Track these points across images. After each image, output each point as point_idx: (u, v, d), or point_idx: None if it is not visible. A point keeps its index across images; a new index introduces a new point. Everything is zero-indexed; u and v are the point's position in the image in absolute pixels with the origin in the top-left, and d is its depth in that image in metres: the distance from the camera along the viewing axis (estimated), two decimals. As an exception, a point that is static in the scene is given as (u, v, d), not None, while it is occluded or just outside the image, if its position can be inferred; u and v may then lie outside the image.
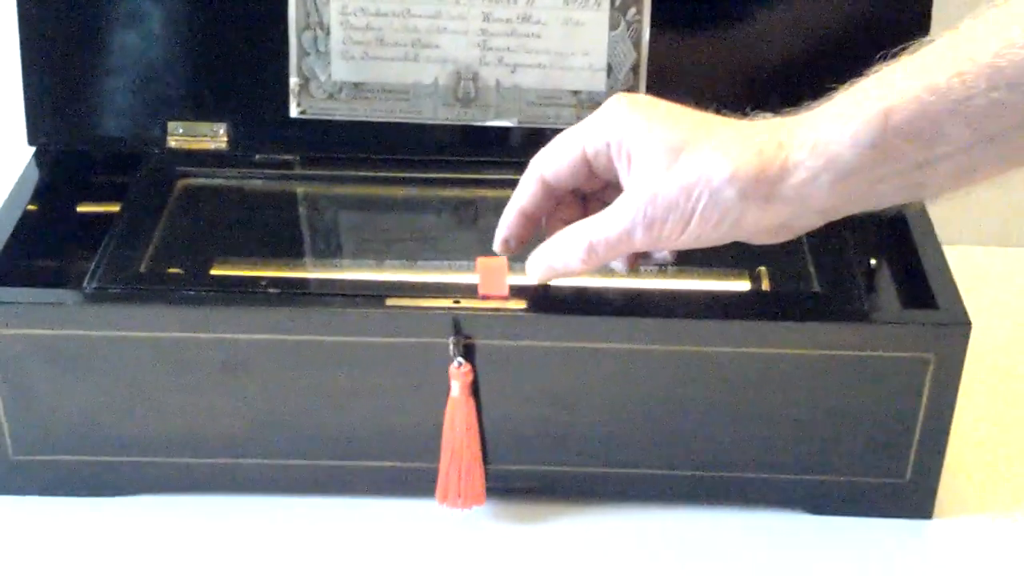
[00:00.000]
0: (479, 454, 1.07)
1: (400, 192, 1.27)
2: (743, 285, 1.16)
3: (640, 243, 0.95)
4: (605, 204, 0.99)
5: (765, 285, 1.16)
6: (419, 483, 1.10)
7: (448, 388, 1.06)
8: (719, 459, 1.09)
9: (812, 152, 0.89)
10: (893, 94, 0.86)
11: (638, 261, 1.03)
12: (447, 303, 1.04)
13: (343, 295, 1.06)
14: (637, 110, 0.93)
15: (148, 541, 1.06)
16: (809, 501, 1.11)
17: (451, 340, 1.04)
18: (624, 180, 0.96)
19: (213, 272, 1.16)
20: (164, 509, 1.09)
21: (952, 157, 0.86)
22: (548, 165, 0.97)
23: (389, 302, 1.04)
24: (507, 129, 1.25)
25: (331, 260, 1.20)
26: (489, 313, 1.04)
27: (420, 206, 1.26)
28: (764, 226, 0.93)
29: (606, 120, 0.94)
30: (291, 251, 1.21)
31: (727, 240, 0.95)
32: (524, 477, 1.11)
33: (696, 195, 0.91)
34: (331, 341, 1.05)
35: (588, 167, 0.96)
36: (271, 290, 1.06)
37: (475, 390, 1.06)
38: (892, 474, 1.09)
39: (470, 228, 1.17)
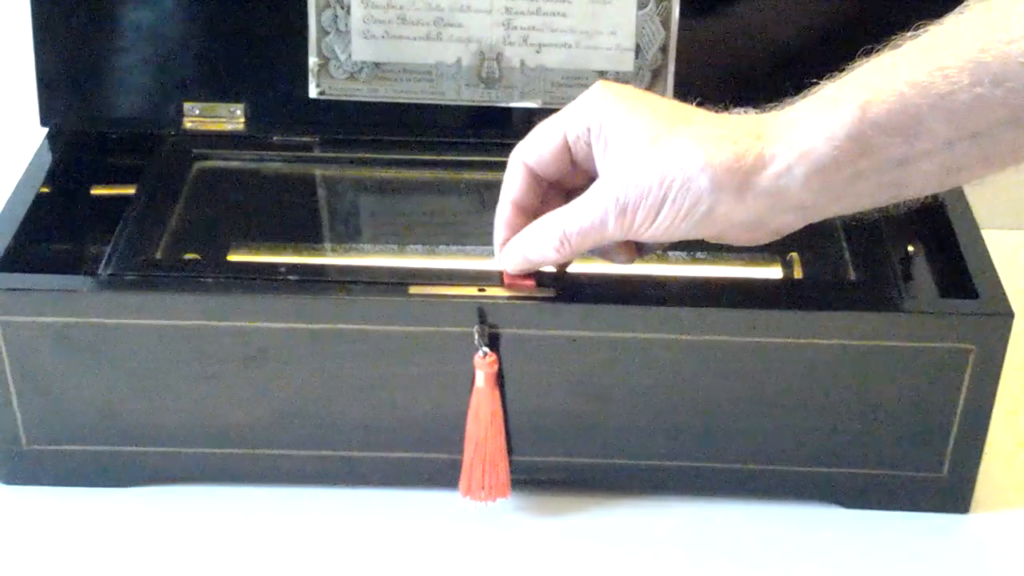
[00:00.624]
0: (504, 446, 1.06)
1: (421, 175, 1.25)
2: (775, 272, 1.13)
3: (613, 231, 0.94)
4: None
5: (797, 272, 1.14)
6: (442, 474, 1.08)
7: (473, 378, 1.03)
8: (750, 451, 1.07)
9: (788, 144, 0.88)
10: (871, 88, 0.85)
11: (636, 254, 1.01)
12: (472, 291, 1.02)
13: (365, 283, 1.04)
14: (619, 98, 0.92)
15: (165, 532, 1.05)
16: (843, 494, 1.09)
17: (476, 329, 1.02)
18: (600, 165, 0.95)
19: (230, 258, 1.14)
20: (181, 499, 1.08)
21: (933, 155, 0.84)
22: (530, 152, 0.97)
23: (412, 290, 1.02)
24: (532, 110, 1.23)
25: (351, 245, 1.18)
26: (515, 301, 1.02)
27: (442, 189, 1.24)
28: (738, 220, 0.91)
29: (587, 106, 0.93)
30: (310, 236, 1.19)
31: (702, 235, 0.93)
32: (550, 469, 1.09)
33: (668, 182, 0.90)
34: (353, 330, 1.03)
35: (569, 154, 0.95)
36: (290, 277, 1.04)
37: (500, 380, 1.04)
38: (929, 467, 1.07)
39: (493, 212, 1.15)
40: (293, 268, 1.06)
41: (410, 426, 1.07)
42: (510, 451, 1.07)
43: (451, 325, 1.02)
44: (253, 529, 1.08)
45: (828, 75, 0.92)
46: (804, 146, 0.87)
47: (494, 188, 1.17)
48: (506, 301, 1.02)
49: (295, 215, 1.20)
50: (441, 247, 1.16)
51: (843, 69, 0.90)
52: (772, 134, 0.89)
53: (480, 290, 1.03)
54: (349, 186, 1.25)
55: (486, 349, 1.02)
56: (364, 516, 1.09)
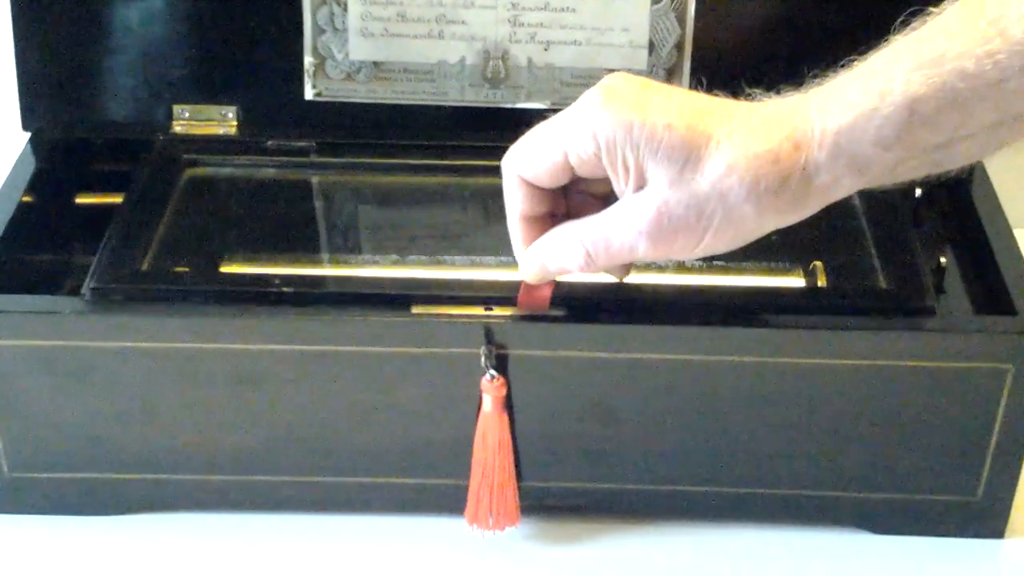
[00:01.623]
0: (513, 472, 1.02)
1: (424, 181, 1.20)
2: (797, 282, 1.09)
3: (644, 255, 0.88)
4: (591, 195, 0.92)
5: (822, 281, 1.09)
6: (447, 501, 1.04)
7: (479, 402, 0.99)
8: (774, 476, 1.03)
9: (832, 153, 0.82)
10: (918, 82, 0.79)
11: (631, 270, 0.96)
12: (478, 311, 0.98)
13: (364, 300, 1.00)
14: (627, 108, 0.83)
15: (154, 562, 1.02)
16: (872, 520, 1.05)
17: (483, 350, 0.97)
18: (620, 189, 0.88)
19: (223, 269, 1.09)
20: (171, 528, 1.05)
21: (975, 137, 0.81)
22: (526, 167, 0.88)
23: (415, 309, 0.98)
24: (540, 111, 1.18)
25: (350, 256, 1.13)
26: (524, 322, 0.97)
27: (446, 197, 1.20)
28: (777, 227, 0.87)
29: (591, 122, 0.84)
30: (306, 246, 1.15)
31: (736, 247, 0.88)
32: (561, 495, 1.05)
33: (710, 212, 0.84)
34: (352, 352, 0.99)
35: (571, 171, 0.87)
36: (285, 289, 1.00)
37: (509, 404, 0.99)
38: (963, 491, 1.03)
39: (500, 221, 1.10)
40: (287, 282, 1.02)
41: (413, 451, 1.03)
42: (519, 476, 1.03)
43: (456, 346, 0.98)
44: (248, 558, 1.04)
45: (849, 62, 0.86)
46: (850, 155, 0.81)
47: (500, 194, 1.14)
48: (514, 321, 0.97)
49: (290, 224, 1.16)
50: (445, 258, 1.11)
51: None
52: (813, 140, 0.82)
53: (487, 309, 0.98)
54: (347, 193, 1.21)
55: (493, 372, 0.98)
56: (365, 544, 1.05)
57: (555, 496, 1.05)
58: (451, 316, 0.98)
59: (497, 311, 0.98)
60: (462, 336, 0.97)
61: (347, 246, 1.16)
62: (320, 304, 1.00)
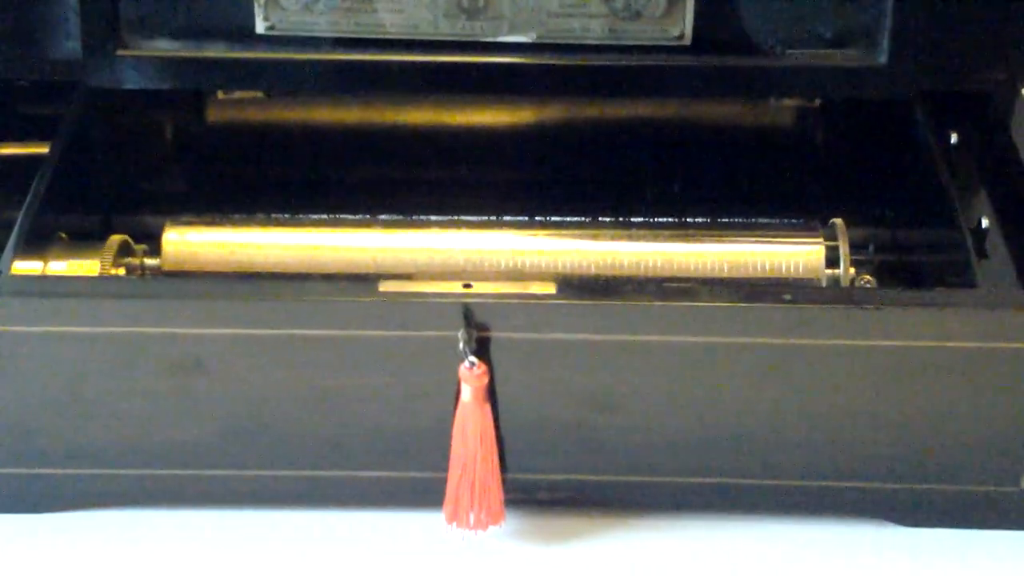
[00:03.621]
0: (497, 466, 0.93)
1: (393, 127, 1.11)
2: (816, 245, 1.00)
3: None
4: None
5: (843, 242, 1.01)
6: (422, 494, 0.96)
7: (457, 389, 0.90)
8: (790, 465, 0.95)
9: None
10: None
11: None
12: (455, 287, 0.88)
13: (324, 278, 0.91)
14: None
15: (93, 563, 0.94)
16: (900, 512, 0.97)
17: (461, 334, 0.88)
18: None
19: (166, 237, 1.01)
20: (111, 525, 0.97)
21: None
22: None
23: (383, 287, 0.89)
24: (523, 46, 1.08)
25: (311, 216, 1.04)
26: (508, 300, 0.88)
27: (418, 145, 1.11)
28: None
29: None
30: (260, 204, 1.06)
31: None
32: (551, 487, 0.97)
33: None
34: (311, 336, 0.89)
35: None
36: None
37: (491, 392, 0.90)
38: (1003, 482, 0.95)
39: (482, 172, 1.01)
40: (240, 249, 0.93)
41: (383, 442, 0.95)
42: (503, 468, 0.94)
43: (431, 329, 0.89)
44: (198, 558, 0.95)
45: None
46: None
47: (478, 139, 1.05)
48: (497, 300, 0.88)
49: (243, 180, 1.06)
50: (418, 217, 1.02)
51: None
52: None
53: (466, 285, 0.89)
54: (306, 142, 1.11)
55: (473, 359, 0.88)
56: (331, 542, 0.97)
57: (544, 489, 0.97)
58: (423, 295, 0.88)
59: (478, 287, 0.89)
60: (437, 317, 0.89)
61: (307, 204, 1.07)
62: (273, 279, 0.91)
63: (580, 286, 0.89)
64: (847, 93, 1.08)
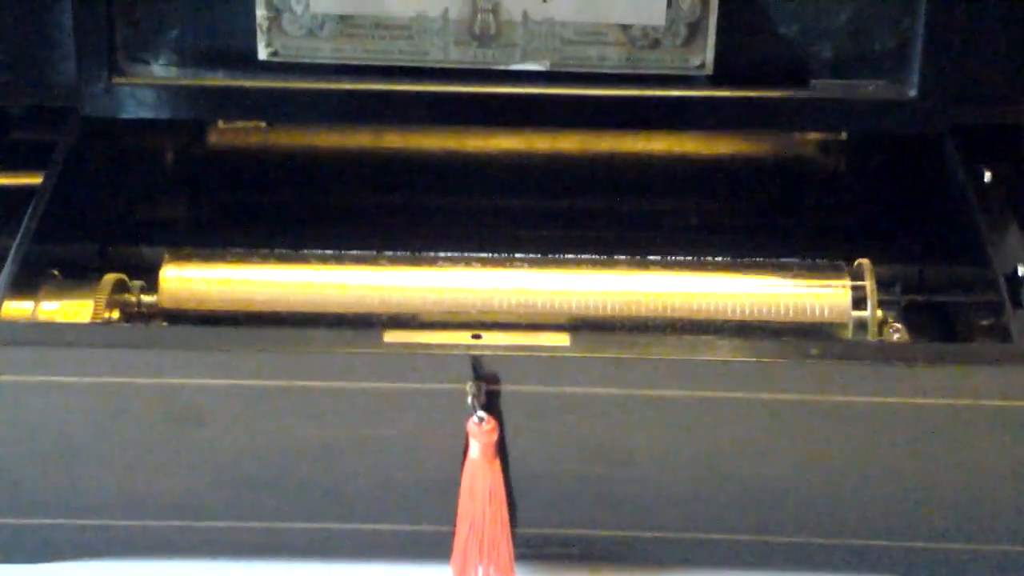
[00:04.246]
0: (507, 523, 0.90)
1: (401, 157, 1.08)
2: (841, 288, 0.97)
3: None
4: None
5: (870, 283, 0.97)
6: (428, 547, 0.93)
7: (465, 443, 0.86)
8: (811, 523, 0.92)
9: None
10: None
11: None
12: (463, 337, 0.85)
13: (328, 320, 0.93)
14: None
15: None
16: (924, 572, 0.93)
17: (470, 388, 0.84)
18: None
19: (163, 273, 0.98)
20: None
21: None
22: None
23: (388, 337, 0.85)
24: (537, 75, 1.03)
25: (314, 252, 1.00)
26: (519, 353, 0.84)
27: (427, 177, 1.08)
28: None
29: None
30: (263, 237, 1.02)
31: None
32: (563, 542, 0.93)
33: None
34: (313, 387, 0.86)
35: None
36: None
37: (501, 447, 0.86)
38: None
39: (493, 206, 0.98)
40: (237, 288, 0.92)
41: (387, 495, 0.92)
42: (514, 523, 0.90)
43: (438, 382, 0.85)
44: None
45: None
46: None
47: (489, 172, 1.02)
48: (508, 353, 0.84)
49: (243, 212, 1.02)
50: (427, 253, 0.98)
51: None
52: None
53: (474, 336, 0.85)
54: (310, 171, 1.07)
55: (482, 414, 0.85)
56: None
57: (556, 544, 0.93)
58: (430, 347, 0.84)
59: (487, 337, 0.85)
60: (444, 370, 0.85)
61: (309, 237, 1.03)
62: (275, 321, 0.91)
63: (595, 339, 0.85)
64: (875, 126, 1.03)
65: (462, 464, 0.88)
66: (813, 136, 1.09)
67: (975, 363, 0.85)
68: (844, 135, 1.07)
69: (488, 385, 0.85)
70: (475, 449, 0.87)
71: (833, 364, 0.84)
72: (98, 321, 0.93)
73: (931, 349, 0.86)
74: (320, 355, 0.85)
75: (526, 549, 0.93)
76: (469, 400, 0.85)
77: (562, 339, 0.85)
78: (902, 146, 1.07)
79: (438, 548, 0.92)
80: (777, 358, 0.85)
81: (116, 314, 0.96)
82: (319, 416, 0.87)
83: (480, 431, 0.86)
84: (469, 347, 0.85)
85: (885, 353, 0.85)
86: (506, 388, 0.86)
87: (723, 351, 0.85)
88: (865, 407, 0.86)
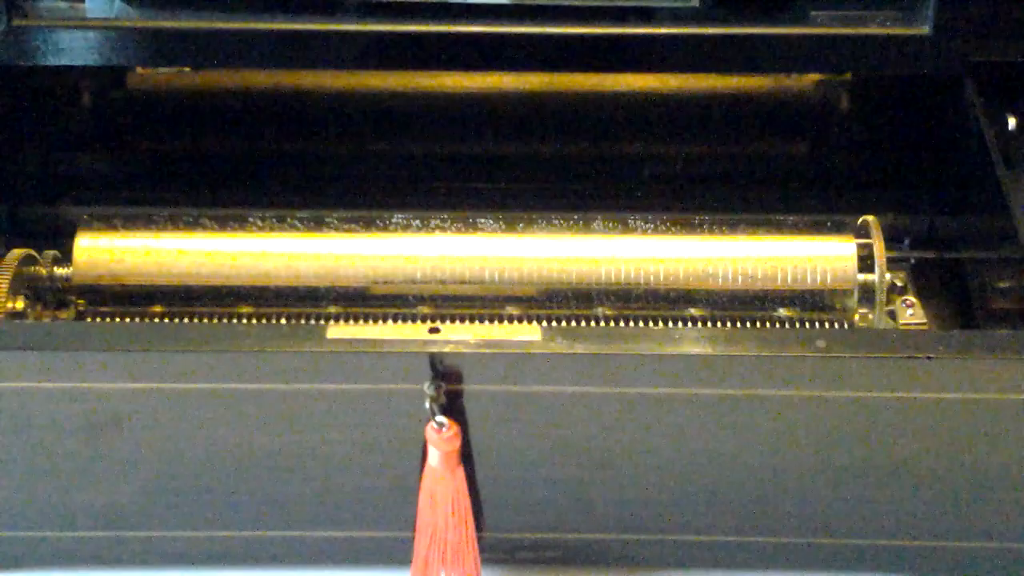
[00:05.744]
0: (472, 533, 0.82)
1: (342, 100, 0.99)
2: (846, 249, 0.88)
3: None
4: None
5: (878, 243, 0.88)
6: (383, 553, 0.86)
7: (424, 447, 0.77)
8: (804, 522, 0.84)
9: None
10: None
11: None
12: (420, 332, 0.75)
13: (264, 297, 0.87)
14: None
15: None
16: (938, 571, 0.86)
17: (427, 389, 0.75)
18: None
19: (78, 241, 0.90)
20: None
21: None
22: None
23: (331, 332, 0.75)
24: (502, 9, 0.93)
25: (247, 215, 0.91)
26: (484, 350, 0.75)
27: (374, 124, 0.99)
28: None
29: None
30: (190, 196, 0.93)
31: None
32: (534, 546, 0.86)
33: None
34: (247, 390, 0.76)
35: None
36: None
37: (465, 451, 0.77)
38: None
39: (453, 159, 0.89)
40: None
41: (334, 502, 0.84)
42: (479, 528, 0.82)
43: (390, 382, 0.76)
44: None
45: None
46: None
47: (448, 119, 0.92)
48: (470, 350, 0.75)
49: (172, 165, 0.93)
50: (377, 212, 0.89)
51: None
52: None
53: (432, 330, 0.75)
54: (243, 122, 0.99)
55: (442, 419, 0.76)
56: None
57: (526, 548, 0.86)
58: (379, 344, 0.74)
59: (447, 331, 0.75)
60: (397, 370, 0.75)
61: (243, 197, 0.94)
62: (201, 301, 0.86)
63: (569, 333, 0.76)
64: (883, 67, 0.93)
65: (420, 469, 0.79)
66: (813, 77, 0.99)
67: (1003, 354, 0.75)
68: (848, 76, 0.97)
69: (448, 385, 0.76)
70: (435, 457, 0.78)
71: (843, 360, 0.75)
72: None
73: (953, 339, 0.76)
74: (253, 355, 0.75)
75: (494, 554, 0.85)
76: (427, 404, 0.76)
77: (532, 332, 0.76)
78: (913, 87, 0.97)
79: (394, 554, 0.85)
80: (780, 353, 0.75)
81: (20, 304, 0.86)
82: (255, 420, 0.79)
83: (440, 438, 0.77)
84: (426, 342, 0.75)
85: (901, 344, 0.75)
86: (469, 388, 0.77)
87: (714, 344, 0.75)
88: (876, 402, 0.78)
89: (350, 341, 0.76)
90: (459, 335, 0.76)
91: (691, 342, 0.76)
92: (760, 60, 0.93)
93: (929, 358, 0.75)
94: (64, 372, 0.76)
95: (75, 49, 0.92)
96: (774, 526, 0.84)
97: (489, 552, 0.85)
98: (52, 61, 0.92)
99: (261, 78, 0.99)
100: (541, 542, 0.86)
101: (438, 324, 0.76)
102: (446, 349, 0.75)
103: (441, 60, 0.93)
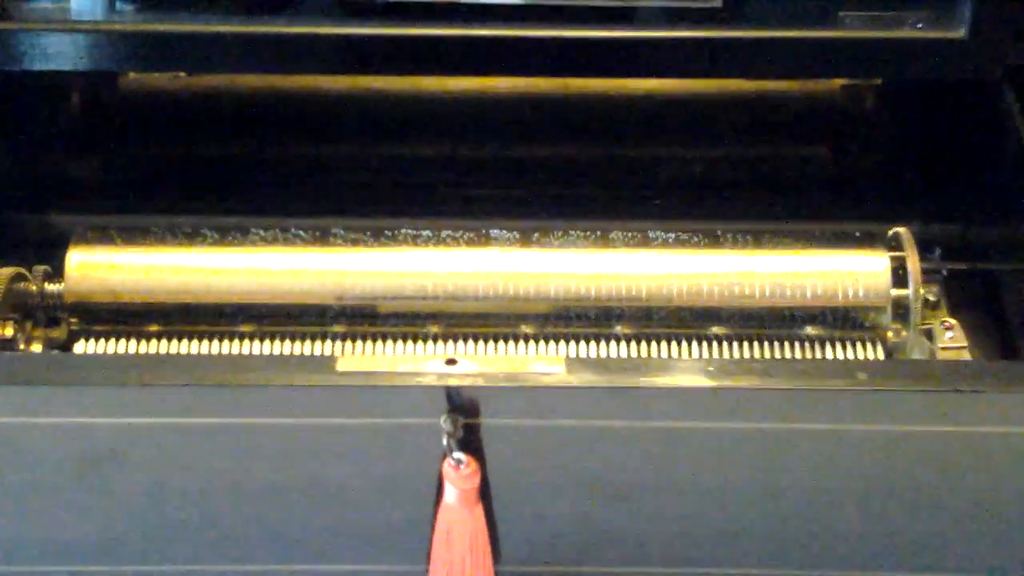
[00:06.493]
0: (491, 571, 0.76)
1: (350, 105, 0.96)
2: (879, 264, 0.85)
3: None
4: None
5: (911, 253, 0.85)
6: None
7: (440, 482, 0.74)
8: (830, 555, 0.81)
9: None
10: None
11: None
12: (435, 366, 0.71)
13: (267, 314, 0.83)
14: None
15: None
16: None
17: (444, 423, 0.71)
18: None
19: (70, 256, 0.86)
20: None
21: None
22: None
23: (341, 365, 0.71)
24: (514, 10, 0.88)
25: (249, 228, 0.87)
26: (504, 384, 0.71)
27: (380, 128, 0.95)
28: None
29: None
30: (185, 204, 0.91)
31: None
32: None
33: None
34: (253, 425, 0.73)
35: None
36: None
37: (484, 489, 0.74)
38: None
39: (465, 167, 0.86)
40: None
41: (344, 536, 0.80)
42: (496, 557, 0.78)
43: (405, 416, 0.72)
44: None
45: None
46: None
47: (460, 126, 0.89)
48: (491, 384, 0.71)
49: (167, 171, 0.90)
50: (385, 221, 0.86)
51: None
52: None
53: (450, 362, 0.71)
54: (239, 127, 0.96)
55: (460, 456, 0.72)
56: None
57: None
58: (393, 377, 0.71)
59: (464, 364, 0.72)
60: (412, 403, 0.72)
61: (242, 204, 0.94)
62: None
63: (594, 365, 0.72)
64: (917, 72, 0.88)
65: (435, 503, 0.75)
66: (843, 83, 0.95)
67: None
68: (880, 82, 0.93)
69: (464, 420, 0.72)
70: (451, 494, 0.74)
71: (885, 395, 0.71)
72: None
73: (1001, 369, 0.73)
74: (259, 389, 0.71)
75: (511, 583, 0.82)
76: (444, 440, 0.72)
77: (555, 362, 0.72)
78: (949, 94, 0.93)
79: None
80: (817, 387, 0.71)
81: (9, 331, 0.81)
82: (259, 454, 0.76)
83: (458, 476, 0.73)
84: (443, 375, 0.71)
85: (947, 376, 0.72)
86: (487, 422, 0.73)
87: (752, 377, 0.72)
88: (917, 436, 0.74)
89: (362, 374, 0.72)
90: (476, 366, 0.72)
91: (723, 376, 0.72)
92: (786, 65, 0.89)
93: (976, 392, 0.71)
94: (60, 408, 0.73)
95: (63, 54, 0.87)
96: (803, 559, 0.81)
97: (506, 581, 0.82)
98: (39, 66, 0.88)
99: (261, 80, 0.95)
100: (559, 574, 0.82)
101: (455, 356, 0.73)
102: (464, 382, 0.72)
103: (452, 64, 0.89)
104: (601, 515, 0.78)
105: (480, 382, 0.72)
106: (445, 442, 0.73)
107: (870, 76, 0.93)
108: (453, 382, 0.72)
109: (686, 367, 0.73)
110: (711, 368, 0.72)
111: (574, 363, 0.73)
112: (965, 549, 0.79)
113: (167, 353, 0.84)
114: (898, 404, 0.72)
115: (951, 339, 0.84)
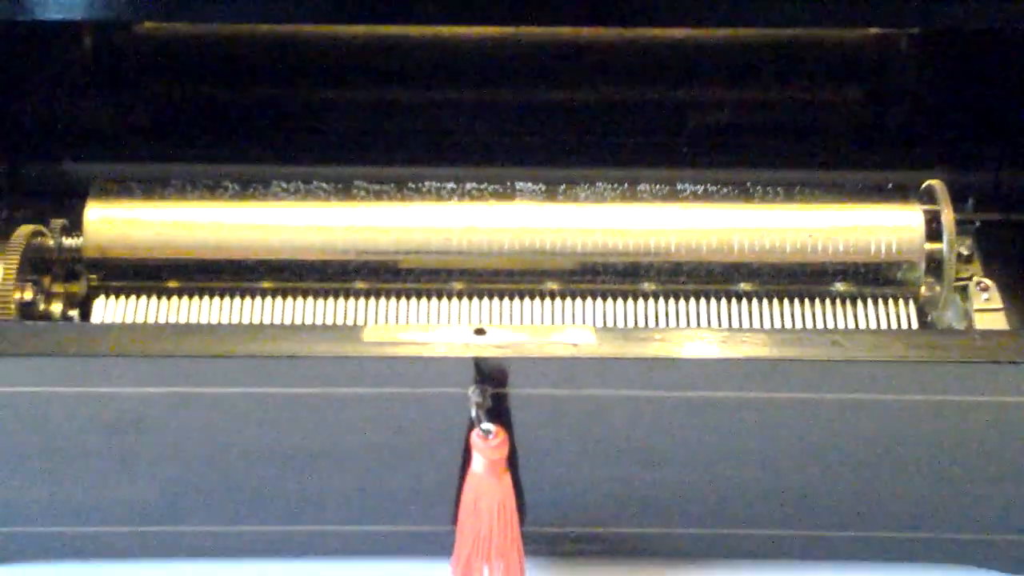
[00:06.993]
0: (518, 539, 0.78)
1: (366, 55, 0.93)
2: (913, 218, 0.83)
3: None
4: None
5: (947, 213, 0.83)
6: (422, 545, 0.82)
7: (466, 452, 0.74)
8: (858, 517, 0.81)
9: None
10: None
11: None
12: (463, 336, 0.70)
13: (288, 271, 0.82)
14: None
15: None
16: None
17: (472, 394, 0.70)
18: None
19: (88, 212, 0.85)
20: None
21: None
22: None
23: (367, 335, 0.70)
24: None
25: (269, 180, 0.85)
26: (533, 355, 0.70)
27: (401, 71, 0.93)
28: None
29: None
30: (202, 152, 0.91)
31: None
32: (578, 539, 0.82)
33: None
34: (278, 394, 0.72)
35: None
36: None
37: (512, 459, 0.73)
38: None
39: (487, 116, 0.84)
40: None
41: (369, 499, 0.80)
42: (522, 520, 0.77)
43: (433, 386, 0.71)
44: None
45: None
46: None
47: (481, 75, 0.87)
48: (520, 354, 0.70)
49: (183, 118, 0.88)
50: (407, 170, 0.85)
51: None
52: None
53: (478, 331, 0.70)
54: (255, 70, 0.94)
55: (488, 427, 0.71)
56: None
57: (571, 541, 0.83)
58: (420, 347, 0.70)
59: (493, 333, 0.71)
60: (440, 374, 0.71)
61: (259, 151, 0.92)
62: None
63: (624, 335, 0.71)
64: (954, 21, 0.86)
65: (462, 469, 0.75)
66: (874, 31, 0.93)
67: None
68: (914, 31, 0.91)
69: (494, 389, 0.71)
70: (479, 464, 0.74)
71: (923, 367, 0.70)
72: (10, 318, 0.78)
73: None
74: (286, 360, 0.70)
75: (537, 546, 0.82)
76: (472, 412, 0.71)
77: (584, 333, 0.71)
78: (982, 42, 0.91)
79: (431, 547, 0.81)
80: (848, 357, 0.70)
81: (30, 293, 0.81)
82: (285, 423, 0.75)
83: (487, 446, 0.73)
84: (471, 345, 0.70)
85: (986, 348, 0.71)
86: (515, 392, 0.72)
87: (779, 346, 0.71)
88: (955, 406, 0.73)
89: (389, 344, 0.71)
90: (505, 336, 0.71)
91: (754, 345, 0.71)
92: (814, 16, 0.86)
93: (1014, 363, 0.70)
94: (87, 378, 0.72)
95: (75, 3, 0.85)
96: (832, 522, 0.80)
97: (531, 544, 0.81)
98: (52, 15, 0.86)
99: (282, 25, 0.93)
100: (584, 535, 0.82)
101: (483, 325, 0.72)
102: (493, 353, 0.71)
103: (481, 12, 0.87)
104: (629, 482, 0.78)
105: (509, 353, 0.71)
106: (474, 413, 0.72)
107: (906, 26, 0.91)
108: (482, 353, 0.71)
109: (717, 338, 0.72)
110: (744, 339, 0.71)
111: (604, 333, 0.72)
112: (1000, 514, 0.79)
113: (191, 323, 0.83)
114: (932, 374, 0.71)
115: (987, 300, 0.83)
